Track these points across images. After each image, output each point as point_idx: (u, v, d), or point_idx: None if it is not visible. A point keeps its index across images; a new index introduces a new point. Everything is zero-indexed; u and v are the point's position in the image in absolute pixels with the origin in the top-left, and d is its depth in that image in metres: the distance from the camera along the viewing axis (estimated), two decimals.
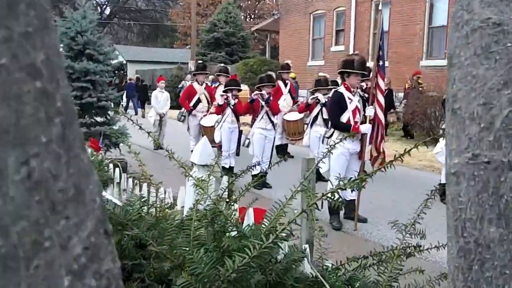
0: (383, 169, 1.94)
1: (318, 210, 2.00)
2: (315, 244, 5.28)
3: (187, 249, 1.63)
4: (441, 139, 8.51)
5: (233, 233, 1.79)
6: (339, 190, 5.97)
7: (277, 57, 29.79)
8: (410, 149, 1.74)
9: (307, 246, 2.23)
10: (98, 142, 5.57)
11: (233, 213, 1.96)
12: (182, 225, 1.81)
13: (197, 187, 1.93)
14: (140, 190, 3.69)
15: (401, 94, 17.86)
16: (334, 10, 24.16)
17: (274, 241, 1.59)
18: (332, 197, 1.73)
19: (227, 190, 2.75)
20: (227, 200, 2.82)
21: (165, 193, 3.47)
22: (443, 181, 8.41)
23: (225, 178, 2.87)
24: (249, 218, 2.46)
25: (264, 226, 1.82)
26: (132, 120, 2.73)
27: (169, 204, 2.73)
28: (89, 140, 5.58)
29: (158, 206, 2.36)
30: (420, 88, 16.06)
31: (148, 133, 2.89)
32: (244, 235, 1.72)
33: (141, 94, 28.07)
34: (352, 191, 7.27)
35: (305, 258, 1.96)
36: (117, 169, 4.58)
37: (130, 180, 4.27)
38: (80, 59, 9.49)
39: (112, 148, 9.77)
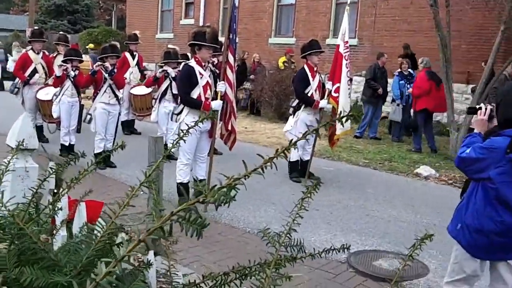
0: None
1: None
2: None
3: None
4: (290, 117, 8.53)
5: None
6: (188, 170, 5.58)
7: (124, 29, 28.52)
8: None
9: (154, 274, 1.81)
10: None
11: (44, 227, 1.49)
12: None
13: None
14: None
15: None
16: None
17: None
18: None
19: (54, 180, 2.26)
20: (54, 192, 2.32)
21: None
22: (292, 159, 8.48)
23: (51, 164, 2.35)
24: (81, 217, 2.01)
25: (97, 233, 1.39)
26: None
27: None
28: None
29: None
30: (293, 67, 16.08)
31: None
32: (56, 265, 1.26)
33: None
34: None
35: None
36: None
37: None
38: None
39: None
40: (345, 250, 1.89)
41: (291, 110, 8.58)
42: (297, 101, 8.40)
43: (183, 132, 1.75)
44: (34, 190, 1.73)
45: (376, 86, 12.77)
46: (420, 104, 11.52)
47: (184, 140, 1.75)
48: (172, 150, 6.43)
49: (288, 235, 1.66)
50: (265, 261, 1.66)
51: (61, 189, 2.22)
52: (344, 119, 1.55)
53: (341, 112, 2.30)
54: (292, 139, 1.47)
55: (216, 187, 1.32)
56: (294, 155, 8.44)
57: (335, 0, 17.71)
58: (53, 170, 1.88)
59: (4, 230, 1.39)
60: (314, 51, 8.29)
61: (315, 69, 8.36)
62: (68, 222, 2.40)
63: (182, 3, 23.80)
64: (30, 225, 1.32)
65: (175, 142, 1.75)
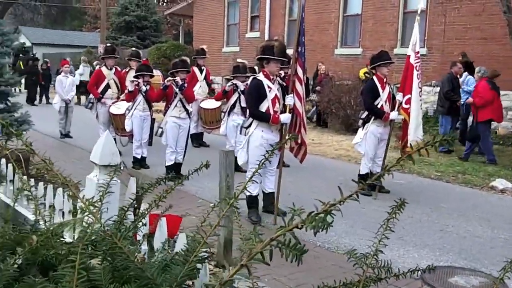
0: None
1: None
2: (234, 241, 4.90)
3: None
4: (359, 129, 8.41)
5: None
6: (254, 186, 5.59)
7: (191, 43, 29.12)
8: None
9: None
10: None
11: (138, 248, 1.51)
12: (69, 253, 1.35)
13: (85, 212, 1.46)
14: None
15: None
16: None
17: None
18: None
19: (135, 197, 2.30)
20: (135, 208, 2.37)
21: (63, 196, 2.96)
22: (362, 172, 8.35)
23: (133, 180, 2.41)
24: (162, 232, 2.04)
25: (181, 253, 1.40)
26: None
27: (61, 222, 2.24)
28: None
29: (47, 221, 1.87)
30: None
31: None
32: (153, 283, 1.28)
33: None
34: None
35: None
36: (10, 165, 4.01)
37: (25, 178, 3.68)
38: None
39: (14, 138, 8.91)
40: (431, 270, 1.84)
41: (360, 122, 8.46)
42: (366, 113, 8.28)
43: (268, 152, 1.74)
44: (126, 208, 1.77)
45: (455, 97, 12.35)
46: (485, 115, 11.15)
47: (270, 161, 1.75)
48: (240, 163, 6.43)
49: (375, 256, 1.62)
50: (350, 282, 1.63)
51: (143, 205, 2.28)
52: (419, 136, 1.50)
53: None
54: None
55: (313, 213, 1.31)
56: (364, 168, 8.32)
57: (403, 9, 17.43)
58: (144, 189, 1.92)
59: (96, 246, 1.42)
60: (383, 62, 8.16)
61: (384, 80, 8.22)
62: (149, 236, 2.45)
63: (247, 16, 24.07)
64: (125, 242, 1.35)
65: (261, 163, 1.75)
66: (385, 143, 8.35)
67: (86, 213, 1.45)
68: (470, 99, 11.71)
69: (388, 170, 1.35)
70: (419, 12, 8.91)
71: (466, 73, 12.73)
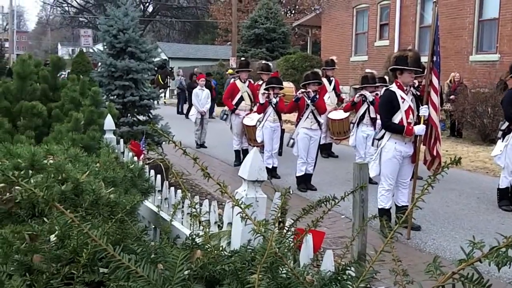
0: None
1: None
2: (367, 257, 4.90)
3: None
4: (499, 141, 7.99)
5: None
6: (389, 196, 5.52)
7: (318, 53, 29.28)
8: None
9: None
10: (140, 146, 5.33)
11: (306, 269, 1.59)
12: (236, 271, 1.47)
13: (257, 232, 1.57)
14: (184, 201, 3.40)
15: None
16: (378, 4, 23.51)
17: None
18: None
19: (279, 210, 2.43)
20: (280, 221, 2.50)
21: (209, 206, 3.17)
22: (502, 185, 7.92)
23: (277, 194, 2.54)
24: (308, 247, 2.13)
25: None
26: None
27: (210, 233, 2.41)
28: (130, 143, 5.34)
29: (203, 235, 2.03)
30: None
31: None
32: None
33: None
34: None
35: None
36: (158, 176, 4.33)
37: (172, 189, 3.97)
38: (122, 57, 9.34)
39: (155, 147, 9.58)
40: None
41: (500, 133, 8.03)
42: (507, 123, 7.84)
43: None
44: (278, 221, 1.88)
45: None
46: None
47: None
48: (372, 176, 6.36)
49: None
50: None
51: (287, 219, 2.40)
52: None
53: None
54: None
55: (495, 248, 1.32)
56: (504, 182, 7.89)
57: None
58: (306, 211, 2.03)
59: (254, 260, 1.54)
60: None
61: None
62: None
63: (376, 25, 23.75)
64: (288, 259, 1.45)
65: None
66: None
67: (257, 234, 1.56)
68: None
69: None
70: None
71: None
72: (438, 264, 1.42)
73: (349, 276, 1.51)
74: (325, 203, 2.01)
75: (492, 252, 1.30)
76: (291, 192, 2.25)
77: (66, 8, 67.66)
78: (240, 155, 11.27)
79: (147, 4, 64.77)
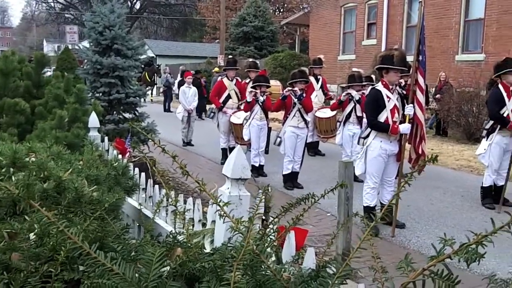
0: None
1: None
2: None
3: None
4: (483, 140, 8.07)
5: None
6: (375, 194, 5.54)
7: (306, 51, 29.34)
8: None
9: None
10: (124, 143, 5.30)
11: (283, 267, 1.59)
12: (216, 268, 1.48)
13: (234, 229, 1.58)
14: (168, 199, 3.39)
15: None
16: (365, 3, 23.60)
17: None
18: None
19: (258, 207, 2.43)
20: (263, 220, 2.51)
21: (193, 204, 3.16)
22: (486, 184, 8.00)
23: (260, 192, 2.54)
24: (291, 245, 2.14)
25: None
26: None
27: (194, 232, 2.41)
28: (115, 141, 5.31)
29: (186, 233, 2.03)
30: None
31: None
32: None
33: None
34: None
35: None
36: (143, 174, 4.31)
37: (157, 187, 3.96)
38: (108, 54, 9.27)
39: (141, 145, 9.55)
40: None
41: (484, 132, 8.11)
42: (491, 122, 7.92)
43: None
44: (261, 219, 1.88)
45: None
46: None
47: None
48: (358, 174, 6.38)
49: None
50: None
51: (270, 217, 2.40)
52: None
53: None
54: None
55: (465, 244, 1.34)
56: (488, 180, 7.97)
57: None
58: (285, 209, 2.03)
59: (234, 257, 1.54)
60: (509, 70, 7.76)
61: (511, 88, 7.82)
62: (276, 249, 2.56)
63: (364, 24, 23.85)
64: (268, 257, 1.46)
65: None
66: (510, 154, 7.93)
67: (235, 232, 1.56)
68: None
69: None
70: None
71: None
72: (409, 261, 1.44)
73: (327, 274, 1.52)
74: (305, 201, 2.01)
75: (462, 249, 1.32)
76: (269, 190, 2.25)
77: (52, 4, 67.16)
78: (227, 153, 11.25)
79: (135, 0, 64.47)
